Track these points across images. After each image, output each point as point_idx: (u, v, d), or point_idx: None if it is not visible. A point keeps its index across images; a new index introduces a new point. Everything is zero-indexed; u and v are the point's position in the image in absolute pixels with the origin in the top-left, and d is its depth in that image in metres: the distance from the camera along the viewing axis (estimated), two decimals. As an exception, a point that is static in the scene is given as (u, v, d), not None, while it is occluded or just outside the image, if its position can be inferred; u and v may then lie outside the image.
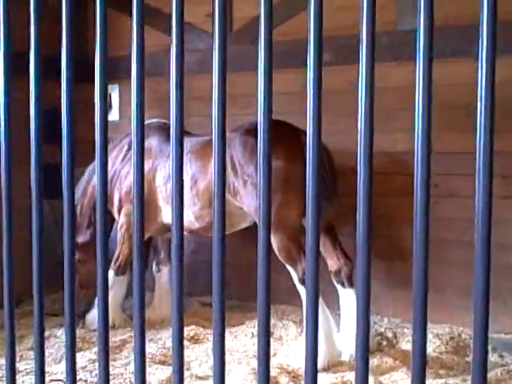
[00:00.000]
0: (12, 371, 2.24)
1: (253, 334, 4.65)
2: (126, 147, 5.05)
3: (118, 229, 4.92)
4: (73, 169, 2.05)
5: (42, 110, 2.07)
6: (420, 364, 1.64)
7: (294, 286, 4.08)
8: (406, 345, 4.44)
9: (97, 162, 1.99)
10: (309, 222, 1.74)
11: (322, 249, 4.17)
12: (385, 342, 4.49)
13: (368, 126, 1.65)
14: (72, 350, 2.06)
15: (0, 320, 4.91)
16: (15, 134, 2.25)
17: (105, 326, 1.97)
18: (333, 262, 4.27)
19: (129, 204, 4.87)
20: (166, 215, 4.70)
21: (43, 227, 2.12)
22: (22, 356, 4.14)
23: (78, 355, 3.88)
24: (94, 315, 4.90)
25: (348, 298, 4.21)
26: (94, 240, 5.24)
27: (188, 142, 4.34)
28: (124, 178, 4.93)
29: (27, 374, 3.79)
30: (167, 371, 3.84)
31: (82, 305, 4.93)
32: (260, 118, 1.76)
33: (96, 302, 4.84)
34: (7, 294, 2.18)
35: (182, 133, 1.90)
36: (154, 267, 5.31)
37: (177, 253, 1.85)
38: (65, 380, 3.61)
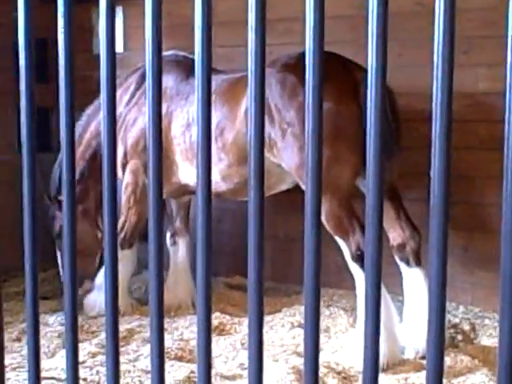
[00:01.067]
0: (0, 366, 2.29)
1: (292, 324, 4.70)
2: (133, 86, 5.05)
3: (123, 190, 4.94)
4: (72, 115, 2.05)
5: (33, 39, 2.07)
6: (508, 364, 1.63)
7: (344, 264, 4.08)
8: (488, 340, 4.44)
9: (103, 107, 1.99)
10: (369, 183, 1.72)
11: (382, 218, 4.15)
12: (460, 337, 4.50)
13: (447, 58, 1.62)
14: (73, 342, 2.09)
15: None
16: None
17: (113, 317, 1.99)
18: (396, 235, 4.26)
19: (136, 158, 4.89)
20: (184, 174, 4.72)
21: (35, 182, 2.14)
22: (5, 348, 4.23)
23: (75, 348, 3.95)
24: (93, 299, 4.98)
25: (414, 279, 4.20)
26: (83, 199, 5.33)
27: (212, 81, 4.32)
28: (131, 126, 4.93)
29: (13, 369, 3.89)
30: (185, 369, 3.91)
31: None
32: (309, 47, 1.73)
33: (96, 281, 5.01)
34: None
35: (210, 69, 1.88)
36: (168, 239, 5.34)
37: (204, 220, 1.85)
38: (60, 378, 3.74)
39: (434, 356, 1.71)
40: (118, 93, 5.02)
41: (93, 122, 5.13)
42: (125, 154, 4.93)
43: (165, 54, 4.89)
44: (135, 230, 5.03)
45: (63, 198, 2.10)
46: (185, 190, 4.90)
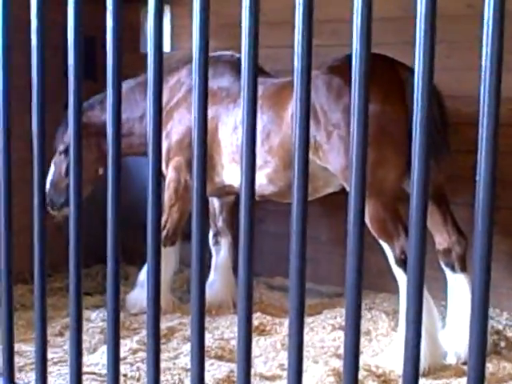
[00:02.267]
0: (43, 360, 2.33)
1: (333, 326, 4.68)
2: (184, 82, 5.05)
3: (166, 187, 4.97)
4: (119, 113, 2.08)
5: (82, 37, 2.11)
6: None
7: (387, 267, 4.06)
8: (532, 347, 4.38)
9: (149, 106, 2.01)
10: (413, 186, 1.71)
11: (428, 222, 4.11)
12: (503, 343, 4.44)
13: (495, 61, 1.61)
14: (115, 338, 2.12)
15: (24, 298, 5.17)
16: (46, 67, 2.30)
17: (155, 314, 2.01)
18: (441, 240, 4.22)
19: (180, 156, 4.91)
20: (229, 175, 4.73)
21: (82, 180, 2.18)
22: (48, 342, 4.29)
23: (116, 344, 3.99)
24: (136, 296, 5.02)
25: (458, 285, 4.16)
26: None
27: (260, 85, 4.32)
28: (178, 122, 4.95)
29: (55, 363, 3.94)
30: (225, 368, 3.92)
31: (63, 196, 5.10)
32: (355, 49, 1.73)
33: (141, 279, 5.05)
34: (38, 268, 2.26)
35: (256, 71, 1.89)
36: (211, 239, 5.36)
37: (246, 222, 1.86)
38: (101, 373, 3.78)
39: (475, 362, 1.69)
40: (168, 86, 5.05)
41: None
42: (168, 151, 4.94)
43: (222, 53, 4.94)
44: (177, 228, 5.05)
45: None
46: (228, 191, 4.92)
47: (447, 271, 4.22)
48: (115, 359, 2.20)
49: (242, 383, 2.00)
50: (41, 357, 2.36)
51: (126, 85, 5.15)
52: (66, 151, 5.05)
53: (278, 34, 4.76)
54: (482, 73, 1.63)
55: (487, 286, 1.69)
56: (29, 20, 2.26)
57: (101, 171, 5.26)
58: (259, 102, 4.38)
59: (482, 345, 1.68)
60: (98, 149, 5.03)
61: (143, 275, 4.97)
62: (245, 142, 1.90)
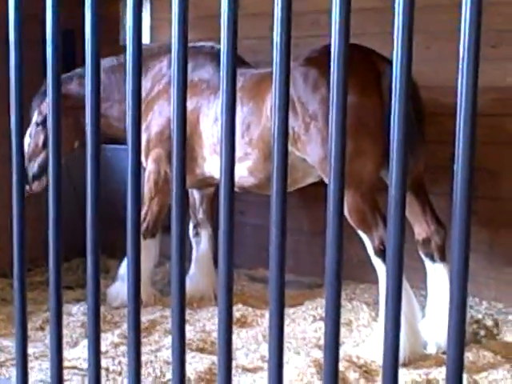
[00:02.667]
0: (23, 355, 2.33)
1: (314, 317, 4.71)
2: (165, 73, 5.03)
3: (146, 179, 4.96)
4: (98, 106, 2.07)
5: (59, 31, 2.10)
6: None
7: (367, 258, 4.08)
8: (511, 336, 4.41)
9: (128, 99, 2.01)
10: (392, 177, 1.72)
11: (406, 212, 4.13)
12: (483, 332, 4.48)
13: (472, 51, 1.62)
14: (96, 332, 2.11)
15: (4, 293, 5.14)
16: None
17: (135, 306, 2.01)
18: (421, 230, 4.24)
19: (159, 148, 4.90)
20: (210, 167, 4.73)
21: (60, 173, 2.17)
22: (29, 337, 4.27)
23: (98, 337, 3.98)
24: (116, 289, 5.02)
25: (438, 274, 4.20)
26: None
27: (240, 76, 4.31)
28: (158, 114, 4.93)
29: (36, 358, 3.93)
30: (206, 360, 3.93)
31: (37, 168, 5.10)
32: (334, 41, 1.73)
33: (121, 272, 5.04)
34: (18, 261, 2.25)
35: (235, 62, 1.89)
36: (191, 230, 5.36)
37: (226, 213, 1.87)
38: (82, 368, 3.77)
39: (454, 351, 1.71)
40: (148, 76, 5.02)
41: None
42: (148, 142, 4.92)
43: (203, 44, 4.92)
44: (157, 220, 5.05)
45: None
46: (209, 182, 4.91)
47: (426, 261, 4.25)
48: (96, 353, 2.20)
49: (223, 376, 2.01)
50: (21, 352, 2.36)
51: (108, 63, 5.13)
52: (44, 122, 5.04)
53: (257, 25, 4.76)
54: (460, 63, 1.64)
55: (465, 274, 1.70)
56: (6, 14, 2.24)
57: (76, 144, 5.23)
58: (239, 94, 4.39)
59: (460, 334, 1.70)
60: (75, 121, 4.93)
61: (124, 268, 4.96)
62: (224, 133, 1.90)
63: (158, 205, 5.00)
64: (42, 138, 5.17)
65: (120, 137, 5.00)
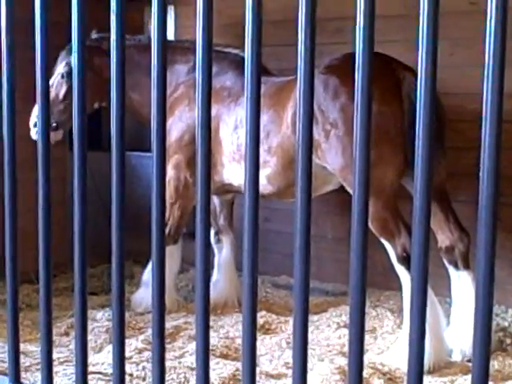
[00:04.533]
0: (49, 360, 2.34)
1: (338, 324, 4.69)
2: (189, 73, 5.01)
3: (166, 185, 4.95)
4: (123, 114, 2.08)
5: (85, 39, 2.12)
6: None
7: (391, 265, 4.06)
8: (538, 344, 4.38)
9: (153, 106, 2.02)
10: (417, 183, 1.71)
11: (430, 219, 4.11)
12: (509, 340, 4.44)
13: (498, 58, 1.61)
14: (120, 337, 2.12)
15: (29, 298, 5.17)
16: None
17: (160, 313, 2.01)
18: (444, 237, 4.22)
19: (179, 154, 4.91)
20: (228, 174, 4.74)
21: (86, 180, 2.18)
22: (53, 342, 4.30)
23: (122, 343, 3.99)
24: (141, 295, 5.03)
25: (462, 282, 4.17)
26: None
27: (262, 85, 4.30)
28: (178, 119, 4.94)
29: (61, 363, 3.95)
30: (230, 367, 3.93)
31: (54, 119, 5.05)
32: (358, 48, 1.73)
33: (145, 278, 5.05)
34: (43, 267, 2.26)
35: (260, 69, 1.89)
36: (213, 237, 5.35)
37: (251, 220, 1.87)
38: (107, 373, 3.78)
39: (479, 359, 1.69)
40: (169, 79, 5.01)
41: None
42: (168, 148, 4.91)
43: (229, 51, 4.91)
44: (179, 226, 5.05)
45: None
46: (227, 189, 4.92)
47: (450, 269, 4.22)
48: (121, 358, 2.21)
49: (248, 382, 2.01)
50: (46, 356, 2.37)
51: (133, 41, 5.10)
52: (69, 75, 5.02)
53: (281, 32, 4.77)
54: (485, 70, 1.63)
55: (491, 282, 1.69)
56: (31, 20, 2.26)
57: (96, 105, 5.23)
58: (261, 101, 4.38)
59: (485, 342, 1.69)
60: (97, 79, 4.86)
61: (147, 274, 4.98)
62: (249, 141, 1.90)
63: (180, 210, 5.01)
64: (63, 89, 5.17)
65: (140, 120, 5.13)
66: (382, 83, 3.93)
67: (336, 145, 4.02)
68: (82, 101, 2.16)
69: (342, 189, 4.45)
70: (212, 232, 5.34)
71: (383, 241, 4.03)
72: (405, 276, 3.88)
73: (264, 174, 4.44)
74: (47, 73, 2.27)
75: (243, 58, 1.93)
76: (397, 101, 3.90)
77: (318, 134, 4.10)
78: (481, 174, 1.66)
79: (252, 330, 1.96)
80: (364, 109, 1.75)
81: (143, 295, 5.00)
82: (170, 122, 4.92)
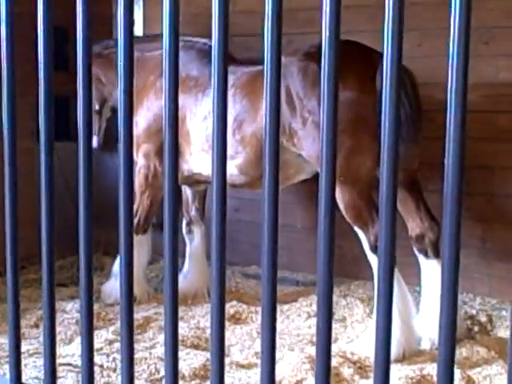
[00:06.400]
0: (17, 352, 2.33)
1: (308, 314, 4.71)
2: (155, 65, 5.03)
3: (136, 173, 4.96)
4: (90, 104, 2.07)
5: (52, 28, 2.10)
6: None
7: (362, 254, 4.08)
8: (505, 331, 4.44)
9: (120, 95, 2.01)
10: (383, 170, 1.73)
11: (400, 208, 4.14)
12: (477, 328, 4.49)
13: (462, 48, 1.62)
14: (89, 328, 2.12)
15: (-1, 290, 5.13)
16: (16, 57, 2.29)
17: (128, 304, 2.01)
18: (414, 225, 4.25)
19: (148, 143, 4.91)
20: (197, 163, 4.73)
21: (53, 171, 2.17)
22: (23, 334, 4.28)
23: (92, 335, 3.98)
24: (110, 286, 5.02)
25: (431, 270, 4.20)
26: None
27: (231, 75, 4.32)
28: (146, 109, 4.94)
29: (30, 355, 3.93)
30: (201, 357, 3.93)
31: None
32: (325, 35, 1.74)
33: (115, 269, 5.03)
34: (11, 259, 2.25)
35: (226, 58, 1.89)
36: (184, 227, 5.36)
37: (219, 210, 1.87)
38: (77, 364, 3.77)
39: (445, 346, 1.72)
40: (140, 69, 5.05)
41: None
42: (137, 138, 4.92)
43: (196, 40, 4.91)
44: (148, 215, 5.05)
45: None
46: (197, 179, 4.91)
47: (420, 257, 4.25)
48: (89, 350, 2.21)
49: (217, 372, 2.01)
50: (15, 349, 2.36)
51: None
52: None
53: (249, 21, 4.77)
54: (450, 60, 1.64)
55: (457, 270, 1.71)
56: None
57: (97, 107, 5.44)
58: (230, 92, 4.39)
59: (451, 328, 1.71)
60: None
61: (117, 265, 4.96)
62: (215, 131, 1.90)
63: (149, 199, 5.01)
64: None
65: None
66: (360, 72, 3.94)
67: (313, 132, 4.02)
68: (49, 90, 2.15)
69: (312, 178, 4.47)
70: (183, 223, 5.35)
71: (357, 229, 4.05)
72: (376, 265, 3.91)
73: (234, 163, 4.44)
74: (13, 63, 2.25)
75: (210, 47, 1.93)
76: (375, 90, 3.91)
77: (295, 121, 4.10)
78: (445, 162, 1.67)
79: (221, 320, 1.96)
80: (330, 99, 1.76)
81: (113, 286, 4.99)
82: (138, 111, 4.92)
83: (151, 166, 4.95)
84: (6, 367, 3.67)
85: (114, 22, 6.07)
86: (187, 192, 5.37)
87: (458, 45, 1.62)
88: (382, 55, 3.97)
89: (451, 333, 1.71)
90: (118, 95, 2.04)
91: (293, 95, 4.08)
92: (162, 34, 1.97)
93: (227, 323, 4.47)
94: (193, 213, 5.37)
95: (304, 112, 4.07)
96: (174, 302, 2.00)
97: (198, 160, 4.72)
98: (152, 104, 4.92)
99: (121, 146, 2.04)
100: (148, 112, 4.92)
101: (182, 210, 5.37)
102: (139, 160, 4.96)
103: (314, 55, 4.09)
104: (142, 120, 4.93)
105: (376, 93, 3.91)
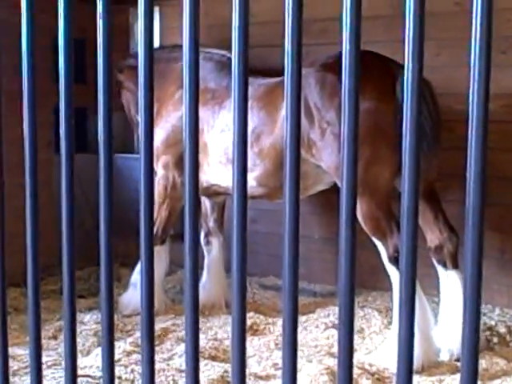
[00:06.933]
0: (38, 363, 2.33)
1: (326, 325, 4.70)
2: (176, 76, 5.06)
3: (155, 184, 4.97)
4: (110, 116, 2.08)
5: (72, 40, 2.11)
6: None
7: (379, 265, 4.07)
8: (524, 343, 4.41)
9: (140, 106, 2.01)
10: (404, 184, 1.72)
11: (419, 219, 4.11)
12: (496, 339, 4.47)
13: (484, 58, 1.62)
14: (109, 340, 2.12)
15: (17, 302, 5.15)
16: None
17: (149, 315, 2.01)
18: (433, 237, 4.23)
19: (167, 154, 4.92)
20: (215, 175, 4.74)
21: (73, 182, 2.18)
22: (42, 346, 4.28)
23: (110, 346, 3.98)
24: (128, 297, 5.02)
25: (450, 281, 4.18)
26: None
27: (249, 86, 4.32)
28: (165, 120, 4.97)
29: (49, 367, 3.93)
30: (219, 369, 3.93)
31: None
32: (345, 48, 1.73)
33: (133, 280, 5.04)
34: (32, 270, 2.25)
35: (247, 71, 1.89)
36: (202, 239, 5.36)
37: (239, 222, 1.87)
38: (95, 376, 3.78)
39: (468, 358, 1.70)
40: (161, 80, 5.09)
41: None
42: (156, 149, 4.96)
43: (214, 52, 4.93)
44: (167, 226, 5.05)
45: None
46: (215, 190, 4.92)
47: (439, 268, 4.24)
48: (110, 361, 2.20)
49: (238, 383, 2.01)
50: (35, 360, 2.36)
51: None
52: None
53: (267, 32, 4.78)
54: (471, 70, 1.64)
55: (479, 282, 1.70)
56: (18, 23, 2.25)
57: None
58: (249, 103, 4.38)
59: (474, 341, 1.69)
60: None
61: (135, 276, 4.97)
62: (236, 144, 1.90)
63: (167, 210, 5.01)
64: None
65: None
66: (379, 82, 3.94)
67: (332, 143, 4.03)
68: (70, 102, 2.16)
69: (330, 189, 4.46)
70: (202, 234, 5.35)
71: (375, 240, 4.03)
72: (395, 276, 3.89)
73: (252, 176, 4.44)
74: (33, 74, 2.26)
75: (229, 59, 1.93)
76: (394, 100, 3.91)
77: (313, 132, 4.10)
78: (467, 174, 1.66)
79: (241, 332, 1.96)
80: (351, 110, 1.76)
81: (130, 297, 4.99)
82: (157, 122, 4.96)
83: (170, 177, 4.96)
84: (25, 378, 3.69)
85: (132, 32, 6.10)
86: (206, 203, 5.38)
87: (480, 55, 1.61)
88: (399, 65, 4.01)
89: (474, 344, 1.69)
90: (139, 106, 2.04)
91: (311, 106, 4.08)
92: (182, 46, 1.97)
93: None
94: (211, 224, 5.38)
95: (322, 123, 4.07)
96: (195, 313, 2.00)
97: (215, 172, 4.73)
98: (170, 115, 4.95)
99: (141, 157, 2.04)
100: (166, 123, 4.95)
101: (201, 221, 5.38)
102: (158, 171, 4.98)
103: (331, 66, 4.09)
104: (160, 131, 4.95)
105: (394, 102, 3.90)
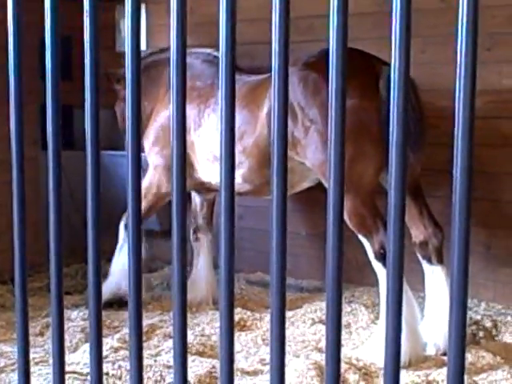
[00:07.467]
0: (25, 360, 2.32)
1: (313, 320, 4.71)
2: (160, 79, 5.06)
3: (142, 176, 5.01)
4: (97, 113, 2.07)
5: (59, 38, 2.10)
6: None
7: (365, 260, 4.08)
8: (510, 337, 4.44)
9: (128, 104, 2.01)
10: (391, 181, 1.72)
11: (404, 215, 4.13)
12: (482, 333, 4.49)
13: (470, 55, 1.62)
14: (97, 337, 2.11)
15: (3, 299, 5.13)
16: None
17: (137, 311, 2.01)
18: (418, 232, 4.24)
19: (159, 156, 4.94)
20: (205, 173, 4.74)
21: (61, 179, 2.17)
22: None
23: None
24: (106, 285, 4.99)
25: (436, 277, 4.20)
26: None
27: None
28: (153, 121, 5.00)
29: (36, 363, 3.92)
30: (206, 364, 3.93)
31: None
32: (332, 45, 1.73)
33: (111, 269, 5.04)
34: (19, 267, 2.24)
35: (234, 69, 1.89)
36: (191, 235, 5.36)
37: (227, 218, 1.87)
38: (82, 372, 3.77)
39: (455, 352, 1.71)
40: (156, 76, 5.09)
41: None
42: (148, 149, 5.00)
43: (199, 51, 4.92)
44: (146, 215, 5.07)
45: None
46: (208, 187, 4.93)
47: (424, 263, 4.25)
48: (98, 358, 2.20)
49: (226, 379, 2.01)
50: (23, 357, 2.35)
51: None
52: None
53: (254, 30, 4.78)
54: (457, 67, 1.64)
55: (465, 276, 1.70)
56: (4, 21, 2.24)
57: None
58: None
59: (461, 335, 1.70)
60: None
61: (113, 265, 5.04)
62: (223, 141, 1.90)
63: (148, 204, 5.03)
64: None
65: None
66: (362, 79, 3.95)
67: (316, 140, 4.04)
68: (57, 99, 2.15)
69: (316, 186, 4.47)
70: (190, 230, 5.36)
71: (361, 237, 4.04)
72: (381, 272, 3.90)
73: (239, 173, 4.45)
74: (20, 72, 2.25)
75: (215, 57, 1.93)
76: (377, 96, 3.91)
77: (297, 130, 4.11)
78: (454, 170, 1.67)
79: (229, 327, 1.96)
80: (338, 106, 1.76)
81: (108, 284, 5.01)
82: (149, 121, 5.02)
83: (158, 177, 4.98)
84: (12, 375, 3.68)
85: (118, 29, 6.08)
86: (195, 200, 5.39)
87: (466, 52, 1.61)
88: (383, 62, 4.01)
89: (461, 338, 1.70)
90: (126, 104, 2.04)
91: (294, 105, 4.09)
92: (169, 46, 1.96)
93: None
94: (200, 221, 5.38)
95: (306, 121, 4.08)
96: (183, 309, 2.00)
97: (204, 170, 4.75)
98: (159, 114, 4.97)
99: (129, 155, 2.03)
100: (156, 123, 4.98)
101: (190, 218, 5.38)
102: (150, 166, 5.00)
103: (313, 64, 4.10)
104: (153, 130, 4.98)
105: (378, 100, 3.91)
